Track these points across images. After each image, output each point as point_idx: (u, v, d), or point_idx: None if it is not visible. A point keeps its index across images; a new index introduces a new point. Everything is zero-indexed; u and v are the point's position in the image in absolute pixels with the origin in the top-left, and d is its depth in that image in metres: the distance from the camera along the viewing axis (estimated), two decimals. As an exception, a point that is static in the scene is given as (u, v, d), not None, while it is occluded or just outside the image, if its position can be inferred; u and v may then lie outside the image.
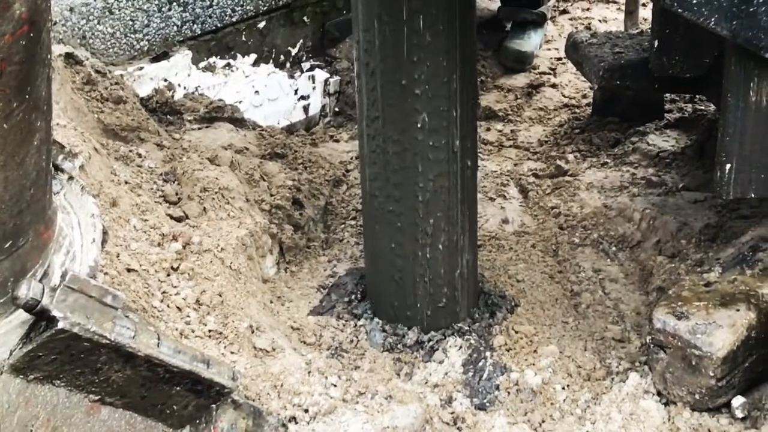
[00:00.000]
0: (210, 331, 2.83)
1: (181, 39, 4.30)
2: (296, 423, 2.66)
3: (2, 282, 1.92)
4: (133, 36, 4.12)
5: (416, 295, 3.09)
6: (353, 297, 3.28)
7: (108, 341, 1.92)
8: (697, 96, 4.42)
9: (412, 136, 2.87)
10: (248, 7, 4.52)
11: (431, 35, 2.75)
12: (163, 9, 4.19)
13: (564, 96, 4.98)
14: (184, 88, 4.21)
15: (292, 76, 4.67)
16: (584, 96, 4.89)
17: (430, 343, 3.09)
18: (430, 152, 2.90)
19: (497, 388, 2.95)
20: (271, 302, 3.24)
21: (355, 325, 3.18)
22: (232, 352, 2.81)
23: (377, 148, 2.95)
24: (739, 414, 2.68)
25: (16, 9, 1.74)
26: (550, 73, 5.26)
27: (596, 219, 3.73)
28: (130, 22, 4.09)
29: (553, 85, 5.10)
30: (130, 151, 3.41)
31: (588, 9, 6.04)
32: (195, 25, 4.34)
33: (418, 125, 2.85)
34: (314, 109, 4.70)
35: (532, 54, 5.32)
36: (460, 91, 2.86)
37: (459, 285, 3.11)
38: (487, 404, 2.92)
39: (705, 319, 2.70)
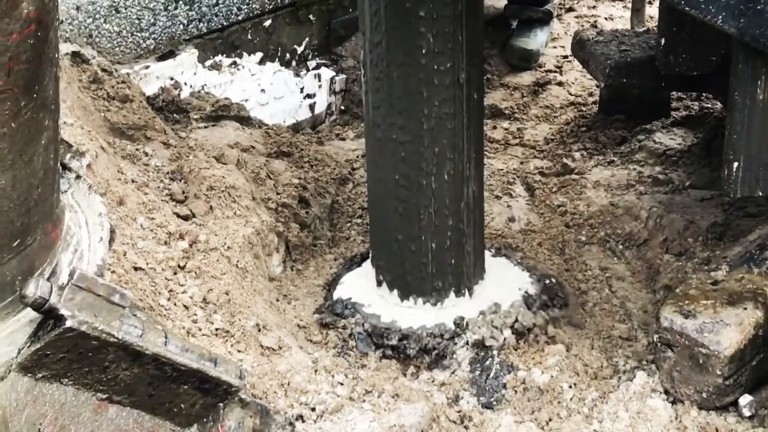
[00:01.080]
0: (217, 329, 2.83)
1: (188, 37, 4.30)
2: (303, 421, 2.66)
3: (10, 280, 1.93)
4: (139, 34, 4.12)
5: (420, 227, 3.03)
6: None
7: (116, 340, 1.92)
8: (704, 94, 4.41)
9: (417, 59, 2.81)
10: (254, 6, 4.52)
11: None
12: (169, 7, 4.19)
13: (570, 94, 4.97)
14: (191, 86, 4.21)
15: (298, 75, 4.67)
16: (591, 94, 4.88)
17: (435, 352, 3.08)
18: (435, 76, 2.83)
19: (504, 386, 2.95)
20: (278, 300, 3.24)
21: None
22: (238, 351, 2.81)
23: (381, 75, 2.89)
24: (747, 412, 2.68)
25: (24, 8, 1.74)
26: (556, 71, 5.26)
27: (603, 217, 3.73)
28: (137, 21, 4.09)
29: (560, 83, 5.10)
30: (137, 149, 3.42)
31: (594, 7, 6.04)
32: (201, 24, 4.34)
33: (423, 49, 2.79)
34: (320, 108, 4.70)
35: (538, 52, 5.31)
36: (466, 14, 2.79)
37: (465, 216, 3.05)
38: (494, 403, 2.92)
39: (712, 318, 2.69)
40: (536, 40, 5.35)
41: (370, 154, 3.11)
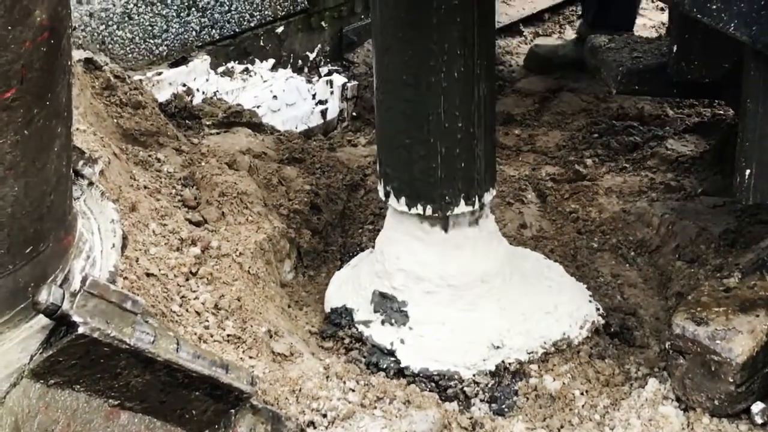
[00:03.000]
0: (228, 335, 2.84)
1: (200, 44, 4.32)
2: (314, 428, 2.66)
3: (23, 287, 1.93)
4: (152, 41, 4.13)
5: (429, 129, 2.93)
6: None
7: (128, 346, 1.92)
8: (716, 101, 4.40)
9: None
10: (266, 13, 4.53)
11: None
12: (181, 14, 4.20)
13: (582, 100, 4.96)
14: (203, 92, 4.22)
15: (309, 81, 4.68)
16: (603, 100, 4.87)
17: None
18: None
19: (516, 393, 2.94)
20: (289, 307, 3.25)
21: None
22: (250, 357, 2.81)
23: None
24: (759, 420, 2.67)
25: (37, 16, 1.75)
26: (568, 78, 5.25)
27: (615, 224, 3.72)
28: (149, 28, 4.11)
29: (572, 90, 5.09)
30: (149, 155, 3.43)
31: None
32: (213, 30, 4.35)
33: None
34: (332, 114, 4.71)
35: None
36: None
37: (475, 119, 2.95)
38: (506, 409, 2.91)
39: (724, 325, 2.69)
40: None
41: (377, 54, 2.99)
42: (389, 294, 3.12)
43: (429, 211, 3.04)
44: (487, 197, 3.09)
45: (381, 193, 3.13)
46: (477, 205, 3.06)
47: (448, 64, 2.86)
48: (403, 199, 3.06)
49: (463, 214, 3.07)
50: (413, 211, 3.05)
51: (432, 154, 2.97)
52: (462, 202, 3.03)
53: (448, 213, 3.04)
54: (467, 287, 3.08)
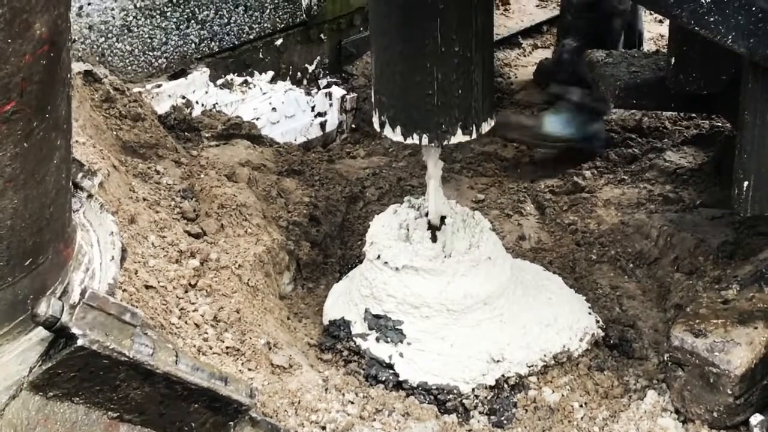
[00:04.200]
0: (227, 347, 2.84)
1: (199, 56, 4.32)
2: (313, 440, 2.66)
3: (22, 299, 1.93)
4: (151, 53, 4.14)
5: (425, 53, 2.84)
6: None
7: (127, 358, 1.92)
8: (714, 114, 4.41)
9: None
10: (265, 25, 4.54)
11: None
12: (181, 27, 4.21)
13: (581, 112, 4.96)
14: (202, 105, 4.22)
15: (309, 93, 4.68)
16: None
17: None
18: None
19: (515, 405, 2.94)
20: (288, 319, 3.25)
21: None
22: (249, 369, 2.82)
23: None
24: (758, 432, 2.67)
25: (37, 29, 1.75)
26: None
27: (613, 236, 3.73)
28: (149, 40, 4.11)
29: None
30: (149, 168, 3.43)
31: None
32: (213, 43, 4.35)
33: None
34: (331, 126, 4.71)
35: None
36: None
37: (473, 44, 2.86)
38: (505, 422, 2.91)
39: (723, 337, 2.69)
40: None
41: None
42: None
43: (425, 140, 2.96)
44: (485, 127, 3.01)
45: (376, 125, 3.04)
46: (475, 134, 2.98)
47: None
48: (398, 129, 2.97)
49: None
50: (409, 140, 2.97)
51: (428, 80, 2.88)
52: (459, 131, 2.95)
53: (445, 142, 2.96)
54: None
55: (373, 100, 3.07)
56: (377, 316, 3.10)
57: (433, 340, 3.03)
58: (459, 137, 2.96)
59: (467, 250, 3.07)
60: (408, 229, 3.13)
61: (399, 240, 3.11)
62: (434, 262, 3.05)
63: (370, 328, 3.10)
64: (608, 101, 3.86)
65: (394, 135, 2.98)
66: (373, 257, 3.12)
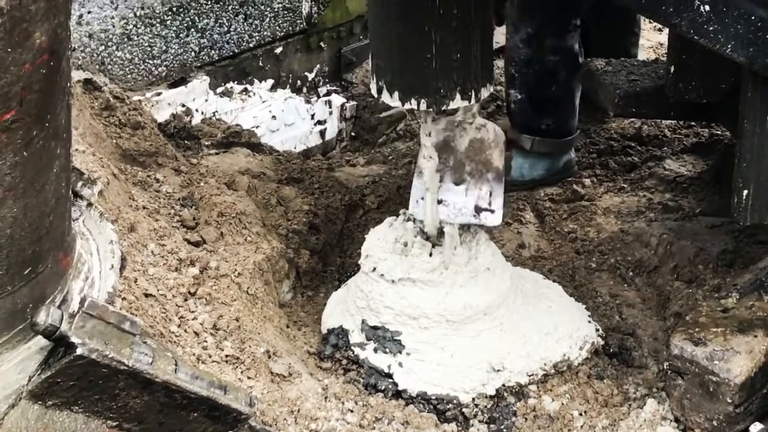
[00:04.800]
0: (227, 356, 2.84)
1: (199, 65, 4.33)
2: (313, 449, 2.66)
3: (21, 308, 1.93)
4: (151, 62, 4.14)
5: (424, 16, 2.76)
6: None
7: (126, 367, 1.92)
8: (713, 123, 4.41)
9: None
10: (265, 33, 4.54)
11: None
12: (181, 35, 4.21)
13: (580, 121, 4.96)
14: (202, 113, 4.23)
15: (308, 101, 4.69)
16: (601, 121, 4.87)
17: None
18: None
19: (514, 413, 2.94)
20: (288, 327, 3.25)
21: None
22: (249, 377, 2.81)
23: None
24: (758, 441, 2.67)
25: (37, 38, 1.76)
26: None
27: (613, 244, 3.72)
28: (149, 48, 4.12)
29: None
30: (148, 176, 3.43)
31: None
32: (213, 51, 4.36)
33: None
34: (331, 134, 4.72)
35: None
36: None
37: (471, 6, 2.79)
38: (504, 430, 2.91)
39: (722, 346, 2.69)
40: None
41: None
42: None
43: (423, 105, 2.90)
44: (484, 92, 2.95)
45: (373, 90, 2.98)
46: (474, 100, 2.93)
47: None
48: (396, 94, 2.91)
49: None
50: (407, 105, 2.91)
51: (427, 43, 2.82)
52: (458, 95, 2.89)
53: (444, 107, 2.91)
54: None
55: (370, 64, 3.02)
56: (375, 327, 3.09)
57: (433, 351, 3.02)
58: (458, 102, 2.90)
59: (466, 262, 3.06)
60: (405, 243, 3.12)
61: (395, 253, 3.10)
62: (432, 274, 3.04)
63: (368, 339, 3.10)
64: (607, 109, 3.86)
65: (391, 100, 2.93)
66: (369, 270, 3.11)
